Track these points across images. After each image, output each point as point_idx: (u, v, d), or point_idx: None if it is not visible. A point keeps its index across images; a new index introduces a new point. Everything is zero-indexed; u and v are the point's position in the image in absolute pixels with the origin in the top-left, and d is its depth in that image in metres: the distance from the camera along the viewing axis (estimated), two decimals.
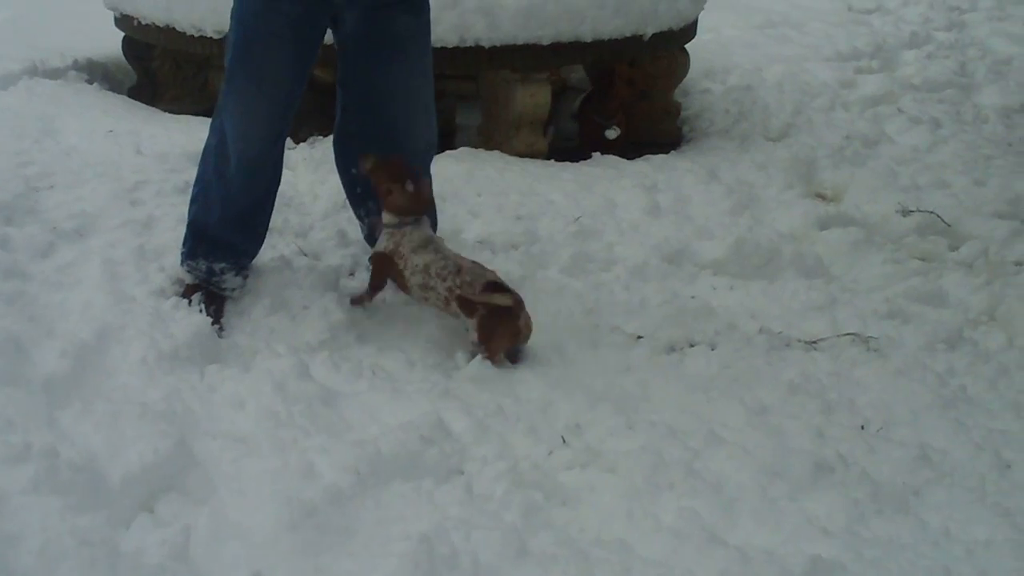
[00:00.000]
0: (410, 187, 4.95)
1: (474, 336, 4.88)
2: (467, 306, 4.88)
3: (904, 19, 11.72)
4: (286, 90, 4.87)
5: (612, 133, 7.58)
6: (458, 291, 4.90)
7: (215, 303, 5.00)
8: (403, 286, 5.07)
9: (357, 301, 5.15)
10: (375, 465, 3.90)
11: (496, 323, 4.85)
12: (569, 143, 7.87)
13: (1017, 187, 7.06)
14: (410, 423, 4.17)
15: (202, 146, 5.13)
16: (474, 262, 5.03)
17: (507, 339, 4.88)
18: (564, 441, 4.22)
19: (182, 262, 5.08)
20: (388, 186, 4.96)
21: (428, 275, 4.94)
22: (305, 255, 5.53)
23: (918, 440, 4.41)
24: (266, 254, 5.28)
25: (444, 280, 4.91)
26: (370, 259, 5.16)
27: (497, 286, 4.91)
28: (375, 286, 5.13)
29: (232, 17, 4.82)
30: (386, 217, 5.03)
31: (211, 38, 7.00)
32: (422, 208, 5.06)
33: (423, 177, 5.09)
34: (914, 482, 4.13)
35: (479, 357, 4.80)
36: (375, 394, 4.48)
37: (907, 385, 4.82)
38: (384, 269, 5.07)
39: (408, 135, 5.09)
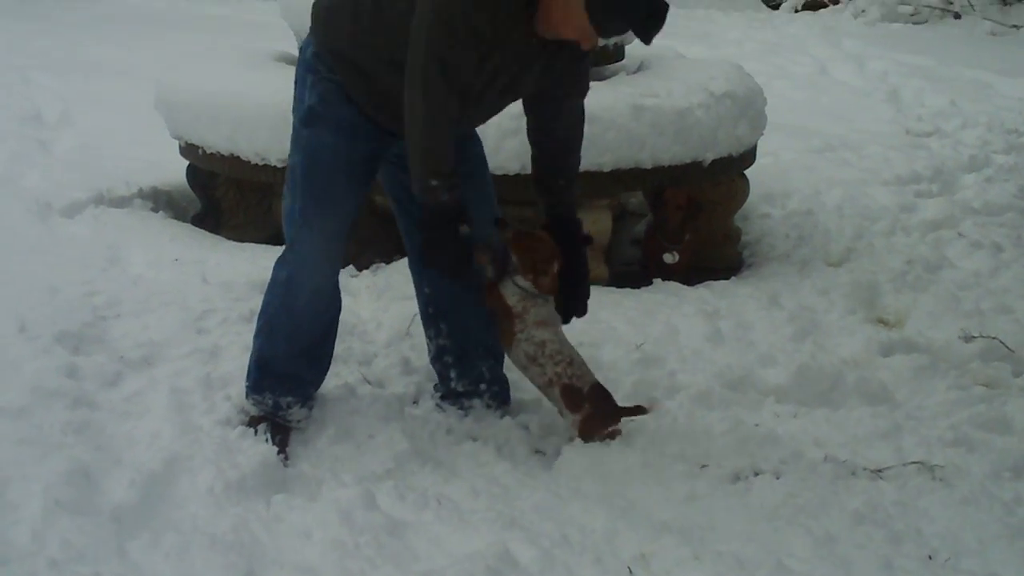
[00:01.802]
0: (556, 267, 5.16)
1: (574, 433, 5.13)
2: (572, 399, 5.11)
3: (962, 142, 11.70)
4: (352, 220, 4.98)
5: (670, 257, 7.59)
6: (566, 380, 5.10)
7: (281, 433, 5.04)
8: (504, 339, 5.22)
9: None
10: None
11: (597, 426, 5.13)
12: (629, 268, 7.89)
13: None
14: (477, 553, 4.18)
15: (266, 275, 5.18)
16: (581, 359, 5.23)
17: (604, 433, 5.14)
18: (631, 572, 4.21)
19: (247, 395, 5.12)
20: (537, 264, 5.13)
21: (542, 352, 5.13)
22: (369, 383, 5.57)
23: (987, 570, 4.38)
24: (330, 382, 5.32)
25: (556, 364, 5.12)
26: (489, 292, 5.22)
27: (603, 390, 5.16)
28: (505, 338, 5.23)
29: (299, 150, 4.91)
30: (522, 282, 5.15)
31: (274, 166, 7.09)
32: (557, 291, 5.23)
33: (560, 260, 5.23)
34: None
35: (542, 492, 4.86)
36: (441, 524, 4.49)
37: (974, 514, 4.78)
38: (506, 324, 5.19)
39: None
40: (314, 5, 4.92)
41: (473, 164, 5.09)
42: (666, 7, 4.48)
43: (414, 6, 4.51)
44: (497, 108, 4.98)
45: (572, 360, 5.19)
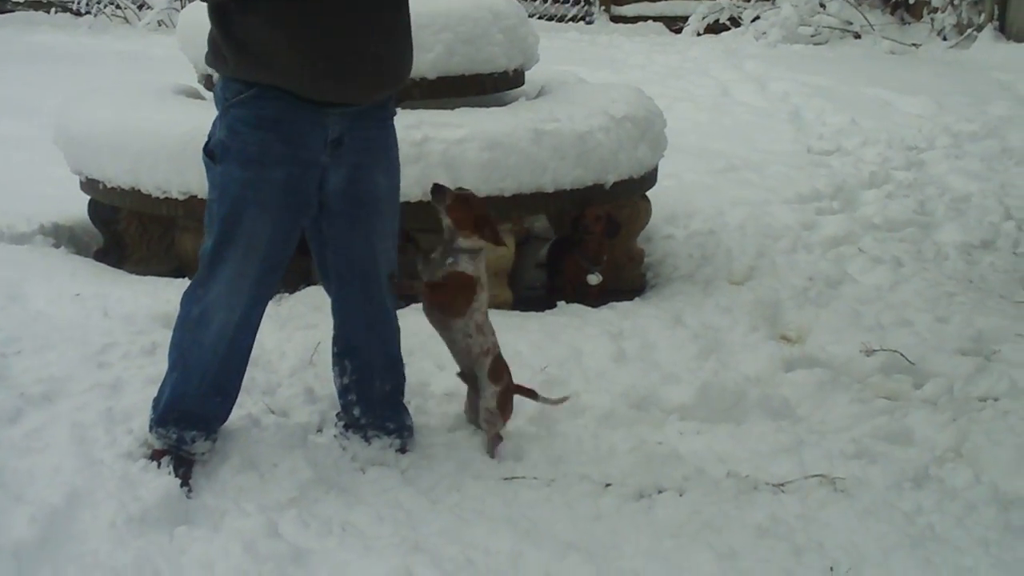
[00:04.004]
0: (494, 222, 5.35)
1: (491, 403, 5.27)
2: (498, 370, 5.32)
3: (863, 159, 11.83)
4: (276, 256, 4.92)
5: (595, 278, 7.59)
6: (498, 351, 5.33)
7: (184, 465, 4.98)
8: (459, 311, 5.31)
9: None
10: None
11: (510, 399, 5.34)
12: (534, 292, 7.91)
13: (979, 323, 7.13)
14: None
15: (169, 307, 5.15)
16: None
17: (508, 417, 5.34)
18: None
19: (151, 428, 5.07)
20: (479, 217, 5.31)
21: (487, 321, 5.34)
22: (273, 413, 5.54)
23: None
24: (233, 413, 5.27)
25: (492, 333, 5.37)
26: (447, 278, 5.27)
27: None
28: (460, 310, 5.30)
29: (213, 187, 4.86)
30: (464, 243, 5.29)
31: (176, 199, 7.03)
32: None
33: None
34: None
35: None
36: (345, 551, 4.48)
37: (875, 525, 4.84)
38: (468, 293, 5.28)
39: (380, 286, 5.17)
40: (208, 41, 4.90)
41: (377, 198, 5.11)
42: None
43: None
44: None
45: (495, 331, 5.40)
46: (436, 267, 5.31)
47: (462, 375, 5.49)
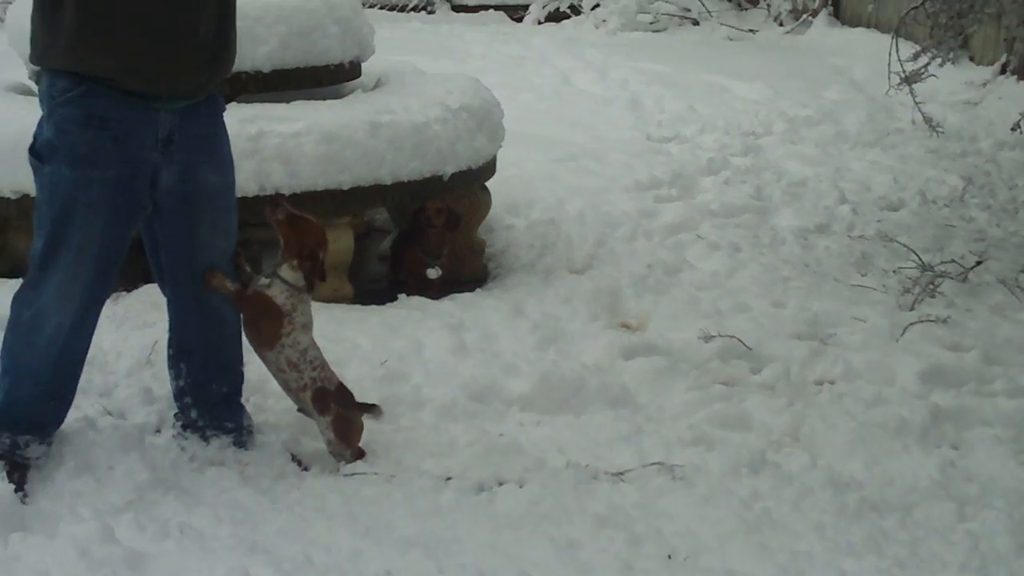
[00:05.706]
0: (323, 254, 5.25)
1: (330, 435, 5.20)
2: (322, 402, 5.19)
3: (701, 146, 11.90)
4: (109, 258, 4.86)
5: (434, 272, 7.58)
6: (319, 384, 5.20)
7: (18, 471, 4.89)
8: (266, 343, 5.22)
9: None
10: None
11: (350, 422, 5.23)
12: (377, 285, 7.88)
13: (815, 307, 7.24)
14: None
15: (2, 309, 5.05)
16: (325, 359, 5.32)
17: (357, 436, 5.25)
18: None
19: None
20: (310, 249, 5.18)
21: (303, 358, 5.20)
22: (110, 414, 5.47)
23: (724, 566, 4.50)
24: (69, 415, 5.19)
25: (313, 369, 5.21)
26: (251, 296, 5.18)
27: (346, 390, 5.30)
28: (265, 340, 5.22)
29: (42, 189, 4.79)
30: (288, 274, 5.19)
31: (8, 198, 6.89)
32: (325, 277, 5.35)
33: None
34: None
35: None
36: (182, 553, 4.44)
37: (712, 512, 4.90)
38: (272, 324, 5.18)
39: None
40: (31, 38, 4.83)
41: (208, 196, 5.05)
42: None
43: None
44: None
45: (323, 364, 5.29)
46: (257, 279, 5.26)
47: (300, 409, 5.45)
